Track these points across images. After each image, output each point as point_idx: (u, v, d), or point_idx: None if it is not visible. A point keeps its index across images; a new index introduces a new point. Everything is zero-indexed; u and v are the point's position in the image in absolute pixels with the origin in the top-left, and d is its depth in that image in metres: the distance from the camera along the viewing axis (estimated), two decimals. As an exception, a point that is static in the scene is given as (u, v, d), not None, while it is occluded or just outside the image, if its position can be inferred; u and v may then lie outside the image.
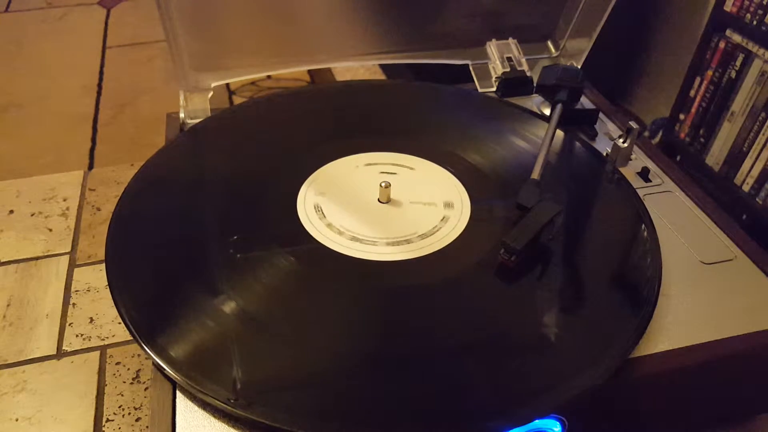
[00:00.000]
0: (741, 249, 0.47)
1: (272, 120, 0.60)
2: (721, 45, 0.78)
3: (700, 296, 0.43)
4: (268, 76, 1.02)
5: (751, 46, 0.74)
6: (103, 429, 0.52)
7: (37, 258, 0.68)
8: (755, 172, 0.75)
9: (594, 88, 0.66)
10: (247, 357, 0.37)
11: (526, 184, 0.47)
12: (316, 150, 0.55)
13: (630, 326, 0.39)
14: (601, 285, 0.43)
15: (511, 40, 0.67)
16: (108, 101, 0.98)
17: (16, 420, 0.53)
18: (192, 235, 0.46)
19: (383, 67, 1.05)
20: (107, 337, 0.60)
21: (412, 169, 0.52)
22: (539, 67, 0.64)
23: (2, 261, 0.68)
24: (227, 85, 1.01)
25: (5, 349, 0.58)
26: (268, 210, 0.48)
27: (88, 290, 0.65)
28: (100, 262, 0.68)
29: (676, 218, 0.50)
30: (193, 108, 0.59)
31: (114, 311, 0.46)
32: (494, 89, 0.66)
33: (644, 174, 0.54)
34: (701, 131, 0.83)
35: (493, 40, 0.67)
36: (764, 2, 0.71)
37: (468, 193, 0.51)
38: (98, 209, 0.76)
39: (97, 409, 0.54)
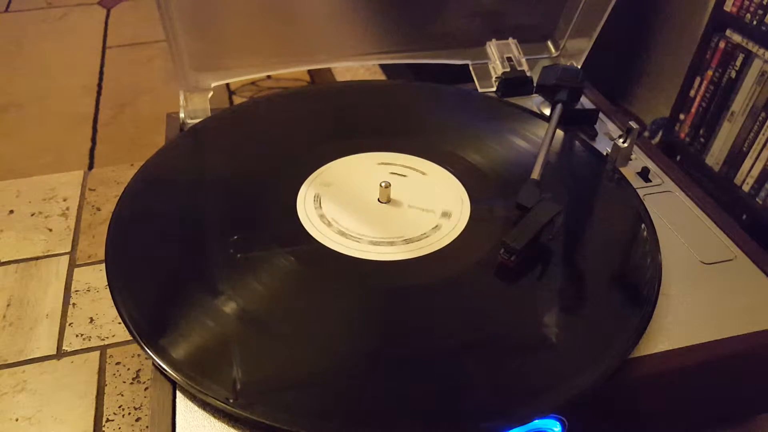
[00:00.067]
0: (741, 249, 0.47)
1: (272, 120, 0.60)
2: (721, 45, 0.78)
3: (700, 296, 0.43)
4: (268, 76, 1.03)
5: (751, 46, 0.74)
6: (103, 429, 0.52)
7: (37, 258, 0.68)
8: (755, 172, 0.75)
9: (594, 88, 0.66)
10: (247, 357, 0.37)
11: (526, 184, 0.47)
12: (316, 150, 0.55)
13: (630, 326, 0.39)
14: (601, 285, 0.43)
15: (511, 40, 0.67)
16: (108, 101, 0.98)
17: (16, 420, 0.53)
18: (192, 235, 0.46)
19: (383, 67, 1.05)
20: (107, 337, 0.60)
21: (423, 174, 0.52)
22: (539, 67, 0.64)
23: (2, 261, 0.68)
24: (227, 85, 1.01)
25: (5, 349, 0.58)
26: (268, 210, 0.48)
27: (88, 290, 0.65)
28: (100, 262, 0.68)
29: (676, 218, 0.50)
30: (193, 108, 0.59)
31: (114, 311, 0.46)
32: (494, 89, 0.66)
33: (644, 174, 0.54)
34: (701, 131, 0.83)
35: (493, 40, 0.67)
36: (764, 2, 0.71)
37: (468, 193, 0.51)
38: (98, 209, 0.76)
39: (97, 409, 0.54)
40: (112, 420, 0.53)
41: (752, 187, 0.75)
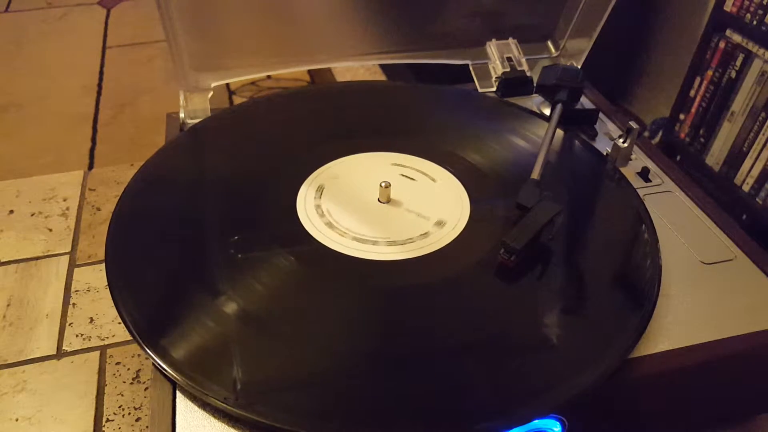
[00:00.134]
0: (741, 249, 0.47)
1: (272, 120, 0.60)
2: (721, 45, 0.78)
3: (700, 296, 0.43)
4: (268, 76, 1.03)
5: (751, 46, 0.74)
6: (103, 429, 0.52)
7: (37, 258, 0.68)
8: (755, 172, 0.75)
9: (594, 88, 0.66)
10: (247, 357, 0.37)
11: (526, 183, 0.47)
12: (316, 150, 0.55)
13: (630, 326, 0.39)
14: (601, 285, 0.43)
15: (511, 40, 0.67)
16: (108, 101, 0.98)
17: (16, 420, 0.53)
18: (192, 235, 0.46)
19: (383, 67, 1.05)
20: (107, 337, 0.60)
21: (433, 180, 0.51)
22: (539, 67, 0.64)
23: (2, 261, 0.68)
24: (227, 85, 1.01)
25: (5, 349, 0.58)
26: (268, 210, 0.48)
27: (88, 290, 0.65)
28: (100, 262, 0.68)
29: (676, 218, 0.49)
30: (193, 108, 0.59)
31: (114, 311, 0.46)
32: (494, 89, 0.66)
33: (644, 174, 0.54)
34: (701, 131, 0.83)
35: (493, 40, 0.67)
36: (764, 2, 0.71)
37: (468, 193, 0.51)
38: (98, 209, 0.76)
39: (97, 409, 0.54)
40: (112, 420, 0.53)
41: (752, 187, 0.75)
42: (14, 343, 0.59)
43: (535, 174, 0.48)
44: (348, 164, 0.53)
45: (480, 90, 0.66)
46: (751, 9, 0.73)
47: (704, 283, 0.44)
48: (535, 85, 0.65)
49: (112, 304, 0.40)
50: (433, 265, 0.44)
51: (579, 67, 0.67)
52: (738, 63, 0.76)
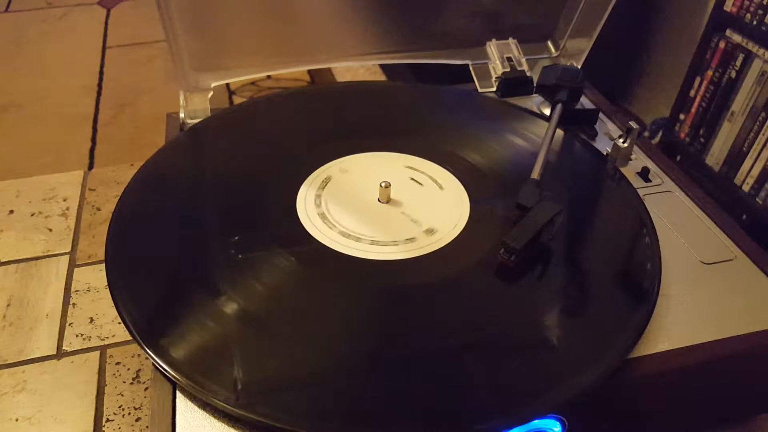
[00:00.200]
0: (741, 249, 0.47)
1: (272, 120, 0.60)
2: (721, 45, 0.78)
3: (700, 296, 0.43)
4: (268, 76, 1.03)
5: (751, 46, 0.74)
6: (103, 429, 0.52)
7: (37, 258, 0.68)
8: (755, 172, 0.75)
9: (594, 88, 0.66)
10: (247, 357, 0.37)
11: (526, 183, 0.47)
12: (316, 150, 0.55)
13: (630, 326, 0.39)
14: (600, 285, 0.43)
15: (511, 40, 0.67)
16: (108, 101, 0.98)
17: (16, 420, 0.53)
18: (192, 235, 0.46)
19: (383, 67, 1.05)
20: (107, 337, 0.60)
21: (441, 188, 0.51)
22: (539, 67, 0.64)
23: (2, 261, 0.68)
24: (227, 85, 1.01)
25: (5, 349, 0.58)
26: (268, 210, 0.48)
27: (88, 290, 0.65)
28: (100, 262, 0.68)
29: (676, 218, 0.49)
30: (193, 108, 0.59)
31: (114, 311, 0.46)
32: (494, 89, 0.66)
33: (644, 174, 0.54)
34: (701, 131, 0.83)
35: (493, 40, 0.67)
36: (764, 2, 0.71)
37: (468, 193, 0.51)
38: (98, 209, 0.76)
39: (97, 409, 0.54)
40: (112, 420, 0.53)
41: (752, 187, 0.75)
42: (14, 343, 0.59)
43: (535, 174, 0.48)
44: (360, 161, 0.54)
45: (480, 90, 0.66)
46: (751, 9, 0.73)
47: (704, 283, 0.44)
48: (535, 85, 0.65)
49: (112, 304, 0.40)
50: (433, 265, 0.44)
51: (579, 67, 0.67)
52: (738, 63, 0.76)
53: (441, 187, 0.51)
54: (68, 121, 0.93)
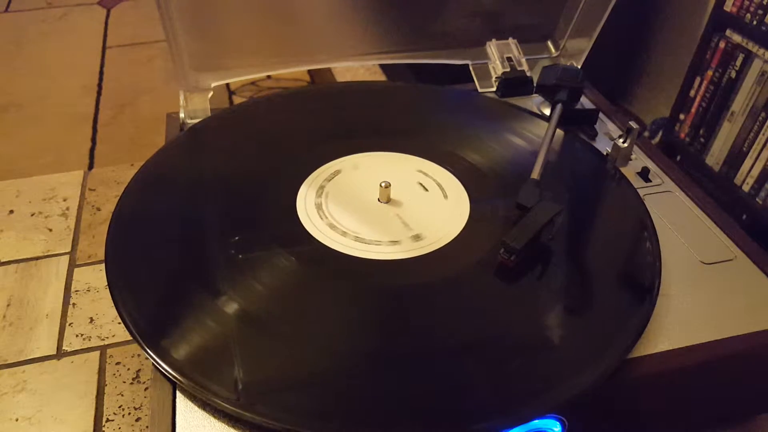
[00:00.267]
0: (741, 249, 0.47)
1: (272, 120, 0.60)
2: (721, 45, 0.78)
3: (700, 296, 0.43)
4: (268, 76, 1.03)
5: (751, 46, 0.74)
6: (103, 429, 0.52)
7: (37, 258, 0.68)
8: (755, 172, 0.75)
9: (594, 88, 0.66)
10: (248, 357, 0.37)
11: (526, 183, 0.47)
12: (316, 150, 0.55)
13: (630, 326, 0.39)
14: (600, 285, 0.43)
15: (511, 40, 0.67)
16: (108, 101, 0.98)
17: (16, 420, 0.53)
18: (192, 235, 0.46)
19: (383, 67, 1.05)
20: (107, 337, 0.60)
21: (445, 197, 0.50)
22: (539, 67, 0.64)
23: (2, 261, 0.68)
24: (227, 85, 1.01)
25: (5, 349, 0.58)
26: (268, 210, 0.48)
27: (88, 290, 0.65)
28: (100, 262, 0.68)
29: (676, 218, 0.49)
30: (193, 108, 0.59)
31: (114, 311, 0.46)
32: (494, 89, 0.66)
33: (644, 174, 0.54)
34: (701, 131, 0.83)
35: (493, 40, 0.67)
36: (764, 2, 0.71)
37: (468, 193, 0.51)
38: (98, 209, 0.76)
39: (97, 409, 0.54)
40: (112, 420, 0.53)
41: (752, 187, 0.75)
42: (14, 343, 0.59)
43: (535, 174, 0.48)
44: (371, 160, 0.54)
45: (480, 90, 0.66)
46: (751, 9, 0.73)
47: (704, 283, 0.44)
48: (535, 85, 0.65)
49: (112, 304, 0.40)
50: (433, 265, 0.44)
51: (579, 67, 0.67)
52: (738, 63, 0.75)
53: (445, 196, 0.50)
54: (68, 121, 0.93)
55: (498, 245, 0.43)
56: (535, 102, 0.64)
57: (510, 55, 0.67)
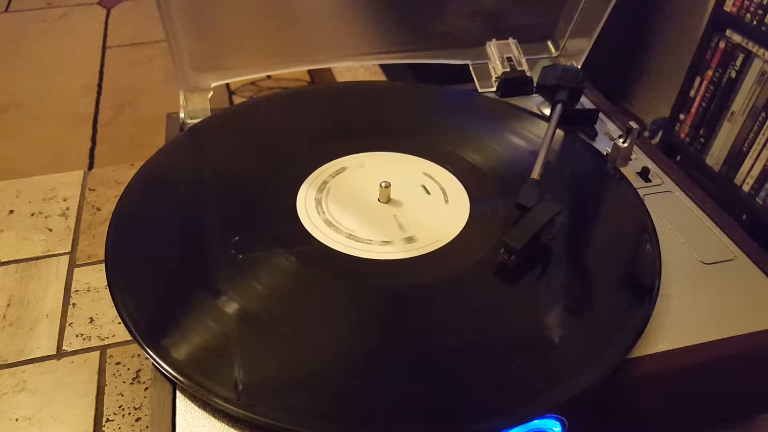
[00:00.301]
0: (741, 249, 0.47)
1: (272, 120, 0.60)
2: (721, 45, 0.78)
3: (700, 296, 0.43)
4: (268, 76, 1.03)
5: (751, 46, 0.74)
6: (103, 429, 0.52)
7: (37, 258, 0.68)
8: (755, 172, 0.75)
9: (594, 88, 0.66)
10: (248, 357, 0.37)
11: (526, 183, 0.47)
12: (316, 150, 0.55)
13: (630, 326, 0.39)
14: (600, 285, 0.43)
15: (511, 40, 0.67)
16: (108, 101, 0.98)
17: (16, 420, 0.53)
18: (192, 235, 0.46)
19: (383, 67, 1.05)
20: (107, 337, 0.60)
21: (446, 202, 0.50)
22: (539, 67, 0.64)
23: (2, 261, 0.68)
24: (227, 85, 1.01)
25: (5, 349, 0.58)
26: (268, 210, 0.48)
27: (88, 290, 0.65)
28: (100, 262, 0.68)
29: (676, 218, 0.50)
30: (193, 108, 0.59)
31: (114, 311, 0.46)
32: (494, 89, 0.66)
33: (644, 174, 0.54)
34: (701, 131, 0.83)
35: (493, 40, 0.67)
36: (764, 2, 0.71)
37: (468, 193, 0.50)
38: (98, 209, 0.76)
39: (97, 409, 0.54)
40: (112, 420, 0.53)
41: (752, 187, 0.75)
42: (14, 343, 0.59)
43: (535, 174, 0.48)
44: (377, 160, 0.54)
45: (480, 90, 0.66)
46: (751, 9, 0.73)
47: (704, 283, 0.44)
48: (535, 85, 0.65)
49: (112, 304, 0.40)
50: (433, 265, 0.44)
51: (579, 67, 0.67)
52: (738, 63, 0.75)
53: (446, 201, 0.50)
54: (68, 121, 0.93)
55: (498, 245, 0.43)
56: (535, 102, 0.64)
57: (510, 55, 0.67)
